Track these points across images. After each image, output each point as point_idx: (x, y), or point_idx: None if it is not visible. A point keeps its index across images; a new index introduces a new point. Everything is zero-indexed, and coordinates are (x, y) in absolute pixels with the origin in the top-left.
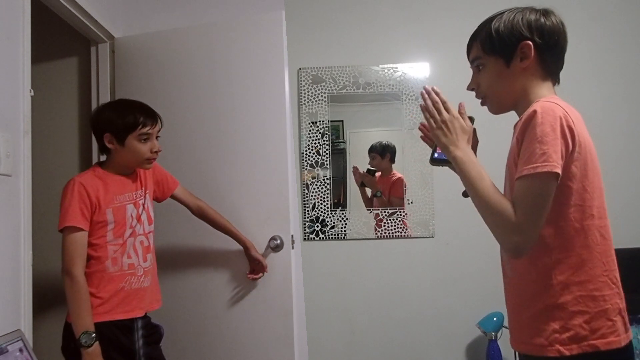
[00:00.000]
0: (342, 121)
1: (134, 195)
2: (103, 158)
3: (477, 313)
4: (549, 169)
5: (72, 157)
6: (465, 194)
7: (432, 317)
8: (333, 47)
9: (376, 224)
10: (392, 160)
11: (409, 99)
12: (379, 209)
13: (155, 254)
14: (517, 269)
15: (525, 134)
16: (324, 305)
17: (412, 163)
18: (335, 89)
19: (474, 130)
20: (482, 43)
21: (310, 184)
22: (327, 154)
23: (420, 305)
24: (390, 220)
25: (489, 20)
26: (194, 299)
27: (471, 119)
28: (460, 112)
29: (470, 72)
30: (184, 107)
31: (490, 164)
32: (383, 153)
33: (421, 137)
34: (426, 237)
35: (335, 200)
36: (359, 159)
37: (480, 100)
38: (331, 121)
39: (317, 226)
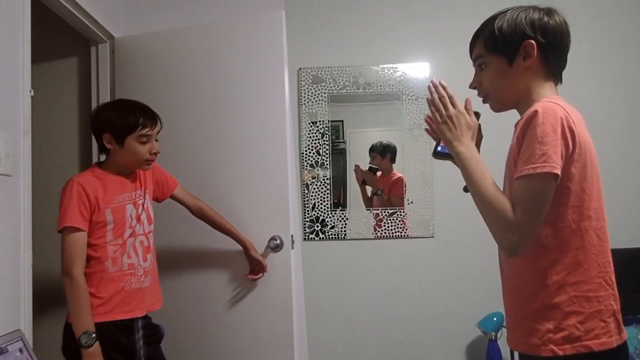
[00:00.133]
0: (342, 121)
1: (133, 195)
2: (103, 158)
3: (477, 313)
4: (548, 169)
5: (72, 157)
6: (466, 189)
7: (432, 317)
8: (333, 47)
9: (376, 224)
10: (393, 160)
11: (409, 99)
12: (378, 209)
13: (155, 254)
14: (514, 268)
15: (526, 133)
16: (324, 305)
17: (412, 163)
18: (335, 89)
19: (479, 126)
20: (485, 41)
21: (310, 184)
22: (327, 154)
23: (420, 305)
24: (390, 220)
25: (492, 19)
26: (194, 299)
27: (477, 115)
28: (466, 108)
29: (471, 71)
30: (184, 107)
31: (491, 163)
32: (384, 153)
33: (426, 129)
34: (426, 237)
35: (335, 200)
36: (359, 159)
37: (482, 98)
38: (331, 121)
39: (317, 226)
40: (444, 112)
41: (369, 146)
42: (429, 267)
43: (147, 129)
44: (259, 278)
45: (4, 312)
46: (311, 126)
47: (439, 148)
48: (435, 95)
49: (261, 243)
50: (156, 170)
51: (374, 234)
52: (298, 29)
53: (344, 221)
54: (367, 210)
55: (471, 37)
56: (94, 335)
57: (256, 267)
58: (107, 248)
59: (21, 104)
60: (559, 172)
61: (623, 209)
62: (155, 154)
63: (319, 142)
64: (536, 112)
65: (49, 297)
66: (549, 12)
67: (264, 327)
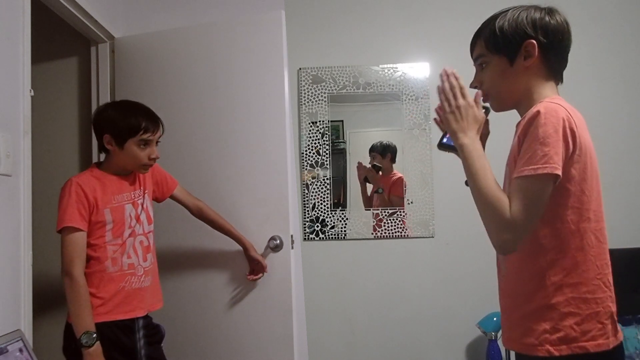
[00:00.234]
0: (342, 121)
1: (132, 195)
2: (103, 157)
3: (477, 313)
4: (549, 170)
5: (72, 157)
6: (467, 183)
7: (432, 317)
8: (333, 47)
9: (376, 224)
10: (393, 160)
11: (409, 99)
12: (378, 209)
13: (155, 254)
14: (513, 268)
15: (527, 133)
16: (324, 305)
17: (412, 163)
18: (335, 89)
19: (487, 121)
20: (486, 41)
21: (310, 184)
22: (327, 154)
23: (420, 305)
24: (390, 220)
25: (493, 18)
26: (194, 300)
27: (486, 110)
28: (475, 101)
29: (472, 71)
30: (184, 107)
31: (491, 162)
32: (384, 153)
33: (435, 119)
34: (426, 237)
35: (335, 200)
36: (359, 159)
37: (482, 98)
38: (331, 121)
39: (317, 226)
40: (452, 102)
41: (369, 146)
42: (429, 267)
43: (148, 134)
44: (259, 278)
45: (4, 312)
46: (311, 126)
47: (445, 140)
48: (446, 85)
49: (261, 243)
50: (156, 171)
51: (374, 234)
52: (298, 29)
53: (344, 221)
54: (367, 210)
55: (472, 36)
56: (94, 335)
57: (256, 267)
58: (106, 248)
59: (21, 104)
60: (560, 173)
61: (623, 209)
62: (154, 159)
63: (319, 142)
64: (538, 112)
65: (49, 297)
66: (550, 11)
67: (264, 327)
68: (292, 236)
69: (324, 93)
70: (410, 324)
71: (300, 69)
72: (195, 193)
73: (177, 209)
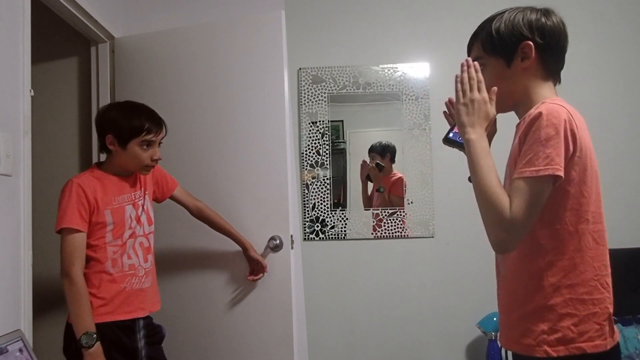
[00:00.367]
0: (342, 121)
1: (133, 196)
2: (103, 157)
3: (477, 313)
4: (551, 172)
5: (72, 157)
6: (471, 180)
7: (432, 317)
8: (333, 47)
9: (376, 224)
10: (392, 160)
11: (409, 99)
12: (378, 209)
13: (154, 255)
14: (511, 268)
15: (529, 134)
16: (324, 305)
17: (412, 163)
18: (335, 89)
19: (495, 120)
20: (483, 43)
21: (310, 184)
22: (327, 154)
23: (420, 305)
24: (390, 220)
25: (490, 20)
26: (195, 300)
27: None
28: (490, 98)
29: None
30: (184, 107)
31: None
32: (383, 153)
33: (444, 112)
34: (426, 237)
35: (335, 200)
36: (359, 159)
37: None
38: (331, 121)
39: (317, 226)
40: (468, 93)
41: (369, 146)
42: (429, 267)
43: (151, 135)
44: (259, 278)
45: (4, 312)
46: (311, 126)
47: (451, 134)
48: (465, 75)
49: (261, 243)
50: (156, 171)
51: (374, 234)
52: (298, 29)
53: (344, 221)
54: (367, 209)
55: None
56: (94, 335)
57: (256, 268)
58: (106, 249)
59: (21, 104)
60: (562, 174)
61: (623, 209)
62: (156, 160)
63: (319, 142)
64: (540, 113)
65: (49, 297)
66: (546, 12)
67: (264, 327)
68: (292, 236)
69: (324, 93)
70: (410, 324)
71: (300, 69)
72: (195, 193)
73: (177, 210)
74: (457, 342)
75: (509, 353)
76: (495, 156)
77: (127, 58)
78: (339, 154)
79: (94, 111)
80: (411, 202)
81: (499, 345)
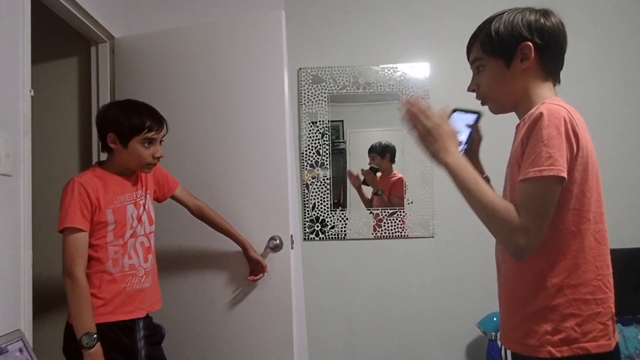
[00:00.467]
0: (342, 121)
1: (134, 196)
2: (103, 156)
3: (477, 313)
4: (555, 172)
5: (72, 157)
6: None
7: (432, 317)
8: (333, 47)
9: (376, 224)
10: (392, 161)
11: None
12: (379, 209)
13: (155, 255)
14: (513, 269)
15: (531, 135)
16: (324, 305)
17: (412, 163)
18: (335, 89)
19: (477, 127)
20: (482, 44)
21: (310, 184)
22: (327, 154)
23: (420, 305)
24: (390, 220)
25: (489, 21)
26: (195, 300)
27: (479, 115)
28: (442, 118)
29: (471, 72)
30: (184, 107)
31: (488, 165)
32: (383, 153)
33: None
34: (426, 237)
35: (335, 200)
36: (359, 159)
37: (480, 101)
38: (331, 121)
39: (317, 226)
40: (420, 127)
41: (369, 146)
42: (429, 267)
43: (152, 133)
44: (259, 279)
45: (4, 312)
46: (311, 126)
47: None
48: (407, 112)
49: (261, 243)
50: (157, 171)
51: (374, 234)
52: (298, 29)
53: (344, 221)
54: (367, 210)
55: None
56: (95, 335)
57: (256, 268)
58: (108, 248)
59: (21, 104)
60: (565, 175)
61: (623, 209)
62: (158, 158)
63: (319, 142)
64: (541, 114)
65: (49, 297)
66: (545, 13)
67: (264, 327)
68: (292, 236)
69: (324, 93)
70: (410, 324)
71: (300, 69)
72: (195, 193)
73: (177, 209)
74: (457, 342)
75: (509, 353)
76: (495, 156)
77: (127, 58)
78: (339, 154)
79: (94, 111)
80: (411, 202)
81: (499, 345)
